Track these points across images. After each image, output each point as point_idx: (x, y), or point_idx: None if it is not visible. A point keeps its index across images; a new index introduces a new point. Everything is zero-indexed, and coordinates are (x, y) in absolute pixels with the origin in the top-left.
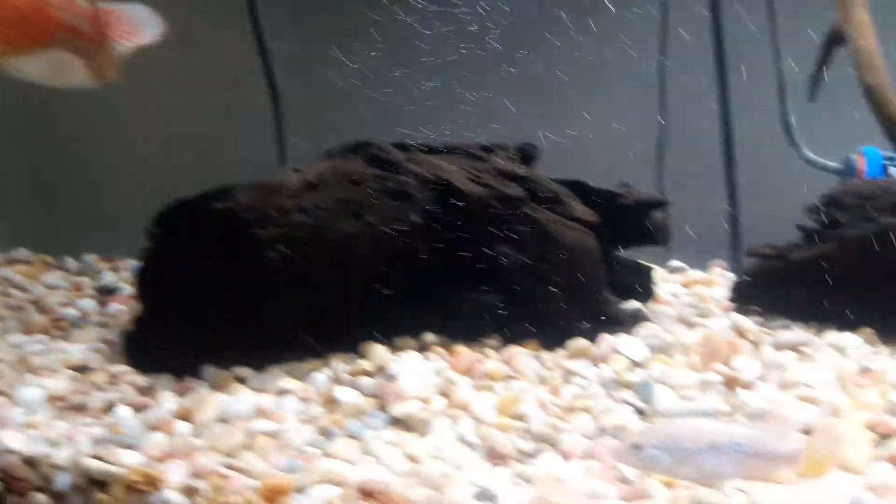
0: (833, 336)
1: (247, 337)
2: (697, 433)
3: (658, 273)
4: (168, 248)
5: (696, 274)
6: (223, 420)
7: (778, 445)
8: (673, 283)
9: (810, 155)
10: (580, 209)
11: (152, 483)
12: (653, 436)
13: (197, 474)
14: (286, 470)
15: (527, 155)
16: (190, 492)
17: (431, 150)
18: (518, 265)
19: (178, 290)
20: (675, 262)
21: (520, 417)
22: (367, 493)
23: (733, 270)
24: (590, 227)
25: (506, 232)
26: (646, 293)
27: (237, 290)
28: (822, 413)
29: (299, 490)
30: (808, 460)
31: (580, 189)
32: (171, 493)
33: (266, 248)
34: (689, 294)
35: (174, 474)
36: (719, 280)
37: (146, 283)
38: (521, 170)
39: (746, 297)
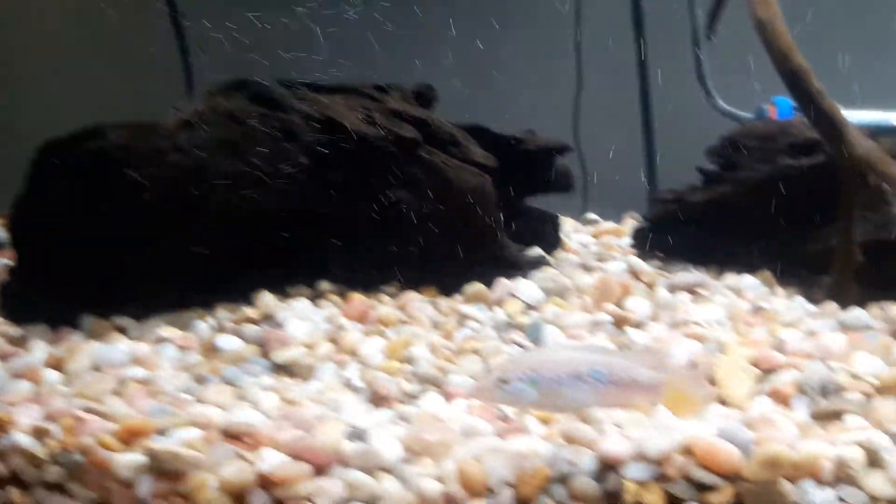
0: (731, 279)
1: (128, 286)
2: (559, 363)
3: (570, 224)
4: (39, 192)
5: (608, 225)
6: (96, 368)
7: (638, 374)
8: (584, 233)
9: (724, 105)
10: (478, 153)
11: (1, 426)
12: (517, 369)
13: (50, 417)
14: (152, 414)
15: (424, 97)
16: (40, 434)
17: (320, 89)
18: (414, 210)
19: (51, 237)
20: (591, 215)
21: (408, 361)
22: (231, 434)
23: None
24: (488, 171)
25: (401, 176)
26: (553, 241)
27: (114, 237)
28: (707, 350)
29: (161, 432)
30: (670, 390)
31: (481, 134)
32: (20, 436)
33: (141, 190)
34: (598, 244)
35: (25, 417)
36: (630, 230)
37: (18, 231)
38: (416, 111)
39: (648, 243)
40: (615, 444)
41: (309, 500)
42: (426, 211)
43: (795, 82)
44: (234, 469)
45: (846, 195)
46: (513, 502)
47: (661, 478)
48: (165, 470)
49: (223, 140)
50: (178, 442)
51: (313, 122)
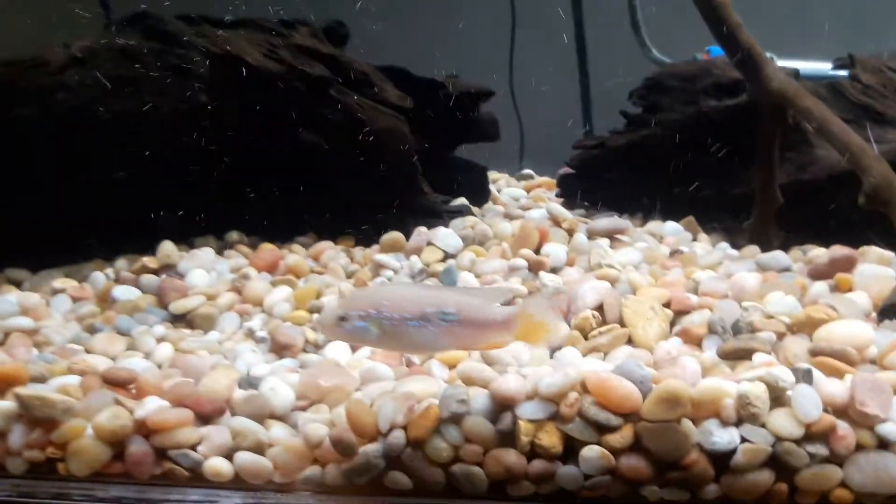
0: (654, 225)
1: (21, 237)
2: (405, 302)
3: (504, 180)
4: None
5: (542, 180)
6: None
7: (490, 313)
8: (517, 188)
9: (658, 55)
10: (394, 94)
11: None
12: (357, 306)
13: None
14: (30, 363)
15: (335, 34)
16: None
17: (221, 24)
18: (325, 154)
19: None
20: (526, 171)
21: (317, 310)
22: (111, 381)
23: None
24: (405, 113)
25: (310, 116)
26: (481, 193)
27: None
28: (617, 291)
29: (39, 380)
30: (523, 322)
31: (399, 77)
32: None
33: (23, 131)
34: (528, 197)
35: None
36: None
37: None
38: (325, 48)
39: (572, 190)
40: (508, 383)
41: (192, 448)
42: (338, 155)
43: (712, 13)
44: (110, 415)
45: (766, 134)
46: (405, 444)
47: (557, 417)
48: (37, 417)
49: (115, 77)
50: (54, 389)
51: (212, 57)
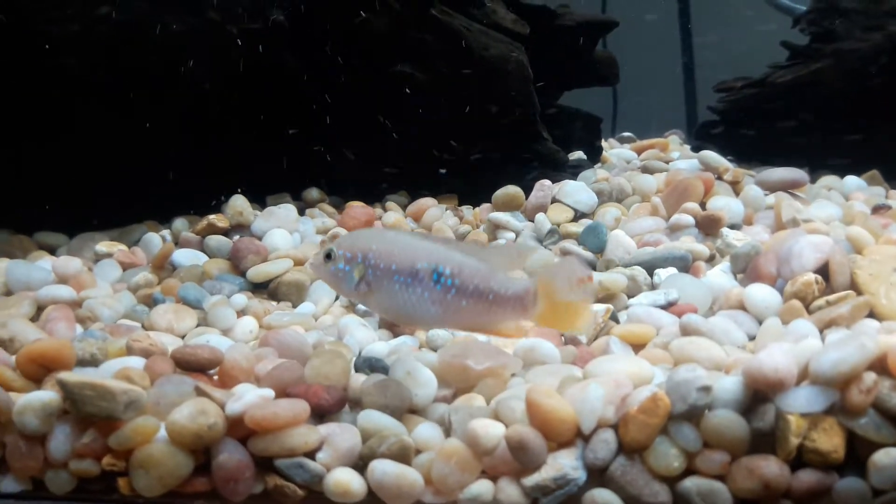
0: (829, 180)
1: (52, 195)
2: (396, 251)
3: (604, 144)
4: None
5: (652, 140)
6: (7, 293)
7: (496, 282)
8: (622, 149)
9: None
10: (507, 17)
11: None
12: (346, 245)
13: None
14: (78, 340)
15: None
16: None
17: None
18: (422, 90)
19: None
20: (626, 133)
21: None
22: (188, 364)
23: (691, 133)
24: (520, 41)
25: (407, 43)
26: (593, 149)
27: (28, 126)
28: (837, 249)
29: (88, 363)
30: (547, 306)
31: (505, 2)
32: None
33: (60, 52)
34: (642, 159)
35: None
36: (676, 147)
37: None
38: None
39: (715, 141)
40: (773, 358)
41: (310, 455)
42: (439, 91)
43: None
44: (192, 410)
45: None
46: (616, 450)
47: (842, 409)
48: (89, 414)
49: None
50: (110, 375)
51: None
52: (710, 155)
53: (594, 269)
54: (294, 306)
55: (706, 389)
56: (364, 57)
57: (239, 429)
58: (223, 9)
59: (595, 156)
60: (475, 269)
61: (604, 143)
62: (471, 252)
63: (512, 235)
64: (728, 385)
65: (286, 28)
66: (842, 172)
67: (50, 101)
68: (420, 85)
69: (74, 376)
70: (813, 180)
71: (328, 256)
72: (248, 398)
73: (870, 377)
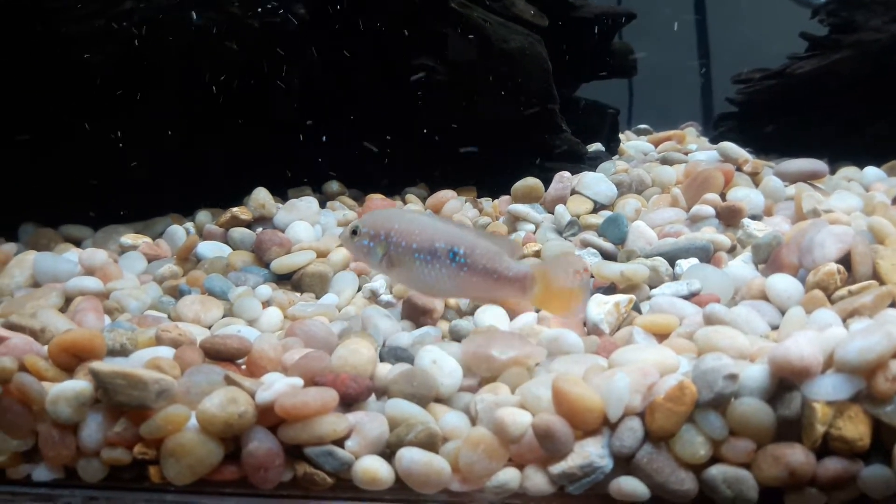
0: (849, 171)
1: (80, 188)
2: (416, 231)
3: (621, 135)
4: None
5: (669, 132)
6: (35, 285)
7: (503, 265)
8: (639, 141)
9: None
10: (526, 9)
11: None
12: (370, 223)
13: None
14: (109, 331)
15: None
16: None
17: None
18: (441, 82)
19: None
20: (642, 126)
21: None
22: (217, 353)
23: (707, 125)
24: (540, 33)
25: (426, 35)
26: (612, 139)
27: (55, 122)
28: (860, 239)
29: (119, 353)
30: (541, 283)
31: None
32: None
33: (82, 50)
34: (659, 151)
35: None
36: (693, 139)
37: None
38: None
39: (733, 132)
40: (799, 347)
41: (339, 443)
42: (458, 83)
43: None
44: (223, 398)
45: None
46: (642, 438)
47: (868, 397)
48: (121, 403)
49: None
50: (142, 365)
51: None
52: (730, 146)
53: (615, 259)
54: (317, 297)
55: (733, 377)
56: (384, 50)
57: (268, 417)
58: (244, 3)
59: (613, 148)
60: (484, 250)
61: (621, 136)
62: (480, 237)
63: (531, 227)
64: (754, 373)
65: (307, 22)
66: (861, 163)
67: (74, 96)
68: (437, 77)
69: (106, 366)
70: (832, 171)
71: (354, 232)
72: (277, 387)
73: None
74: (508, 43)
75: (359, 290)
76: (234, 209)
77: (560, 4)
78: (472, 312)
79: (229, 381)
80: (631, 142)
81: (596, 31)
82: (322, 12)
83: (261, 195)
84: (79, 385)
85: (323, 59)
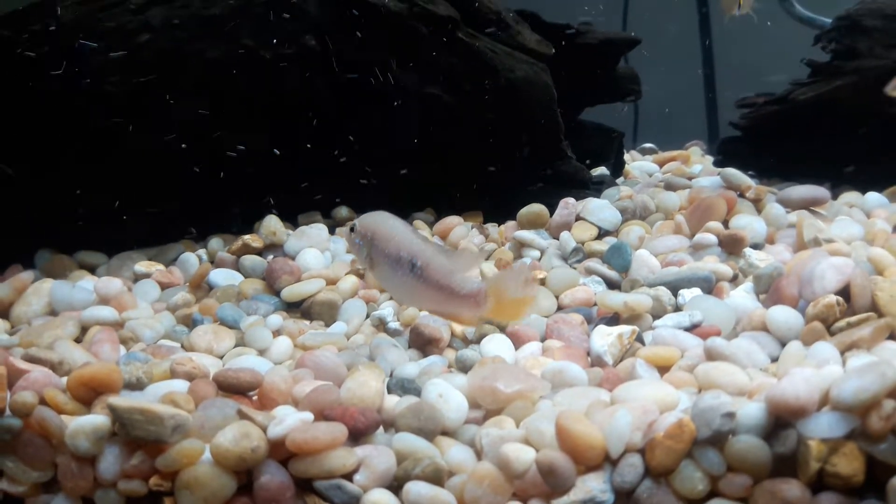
0: (851, 196)
1: (94, 215)
2: (390, 239)
3: (626, 156)
4: None
5: (673, 153)
6: (52, 313)
7: (453, 280)
8: (644, 161)
9: (802, 10)
10: (532, 38)
11: None
12: (363, 224)
13: None
14: (124, 363)
15: None
16: None
17: None
18: (449, 109)
19: None
20: (648, 145)
21: None
22: (231, 387)
23: (712, 144)
24: (545, 61)
25: (434, 64)
26: (616, 164)
27: (69, 147)
28: (859, 269)
29: (134, 386)
30: (493, 296)
31: (528, 22)
32: None
33: (101, 79)
34: (664, 172)
35: None
36: (698, 159)
37: None
38: None
39: (738, 157)
40: (795, 387)
41: (348, 476)
42: (466, 110)
43: None
44: (236, 433)
45: None
46: (643, 474)
47: (862, 435)
48: (138, 437)
49: (206, 17)
50: (157, 399)
51: None
52: (733, 172)
53: (619, 288)
54: (327, 325)
55: (730, 416)
56: (392, 77)
57: (280, 451)
58: (256, 36)
59: (618, 170)
60: (439, 265)
61: (626, 156)
62: (441, 252)
63: (537, 253)
64: (751, 411)
65: (317, 53)
66: (863, 188)
67: (91, 124)
68: (446, 105)
69: (124, 401)
70: (834, 196)
71: (352, 230)
72: (288, 422)
73: (889, 404)
74: (514, 72)
75: (367, 317)
76: (246, 237)
77: (566, 32)
78: (478, 341)
79: (242, 416)
80: (636, 162)
81: (601, 57)
82: (333, 42)
83: (272, 223)
84: (97, 419)
85: (331, 89)
